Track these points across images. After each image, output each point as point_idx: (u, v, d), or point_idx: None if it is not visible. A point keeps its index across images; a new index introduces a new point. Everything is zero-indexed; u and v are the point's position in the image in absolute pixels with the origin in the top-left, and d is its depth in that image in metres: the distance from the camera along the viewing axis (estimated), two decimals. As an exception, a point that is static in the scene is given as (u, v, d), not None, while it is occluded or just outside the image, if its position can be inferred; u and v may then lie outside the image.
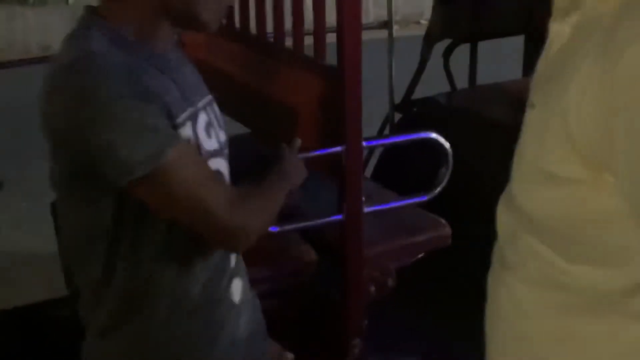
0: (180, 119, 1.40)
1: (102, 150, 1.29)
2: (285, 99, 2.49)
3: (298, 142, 1.81)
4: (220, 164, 1.53)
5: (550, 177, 0.99)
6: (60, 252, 3.23)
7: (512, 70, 4.12)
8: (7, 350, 2.87)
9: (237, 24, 2.79)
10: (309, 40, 2.39)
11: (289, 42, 2.51)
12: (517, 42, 4.07)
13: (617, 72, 0.88)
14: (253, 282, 2.15)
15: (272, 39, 2.61)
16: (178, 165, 1.34)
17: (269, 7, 2.55)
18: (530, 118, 1.04)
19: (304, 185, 1.76)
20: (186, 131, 1.42)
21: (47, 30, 9.65)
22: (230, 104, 2.83)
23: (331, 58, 2.24)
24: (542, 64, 1.06)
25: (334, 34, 2.14)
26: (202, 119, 1.49)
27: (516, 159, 1.09)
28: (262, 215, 1.51)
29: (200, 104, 1.51)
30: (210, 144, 1.49)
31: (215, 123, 1.54)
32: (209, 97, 1.58)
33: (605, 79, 0.89)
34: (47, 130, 1.38)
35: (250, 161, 1.89)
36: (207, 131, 1.50)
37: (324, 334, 2.45)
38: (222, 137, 1.57)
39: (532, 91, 1.04)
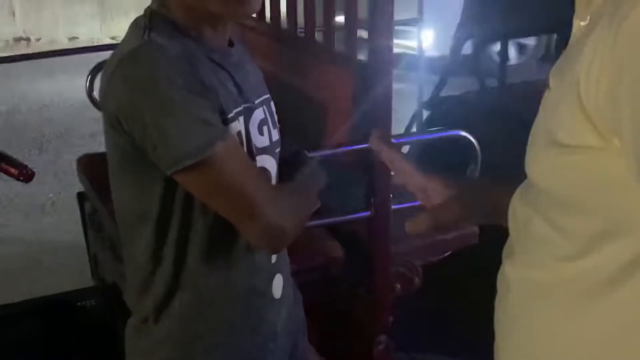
0: (232, 114, 1.43)
1: (155, 138, 1.34)
2: (315, 93, 2.49)
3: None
4: (268, 162, 1.55)
5: (561, 146, 0.99)
6: (87, 243, 3.25)
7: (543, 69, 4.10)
8: (35, 339, 2.90)
9: (268, 19, 2.78)
10: (340, 35, 2.38)
11: (319, 36, 2.51)
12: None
13: (620, 32, 0.88)
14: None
15: (302, 34, 2.61)
16: (225, 158, 1.36)
17: (300, 1, 2.54)
18: (545, 97, 1.05)
19: (329, 184, 1.75)
20: (237, 126, 1.45)
21: (75, 21, 9.73)
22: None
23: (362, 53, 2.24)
24: (563, 53, 1.06)
25: (365, 30, 2.14)
26: (257, 115, 1.52)
27: (530, 140, 1.08)
28: (300, 216, 1.52)
29: (258, 101, 1.54)
30: (261, 140, 1.52)
31: (269, 121, 1.57)
32: (267, 96, 1.61)
33: (610, 41, 0.90)
34: (105, 113, 1.42)
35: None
36: (260, 128, 1.52)
37: (350, 329, 2.45)
38: (275, 136, 1.59)
39: (550, 76, 1.03)
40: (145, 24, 1.41)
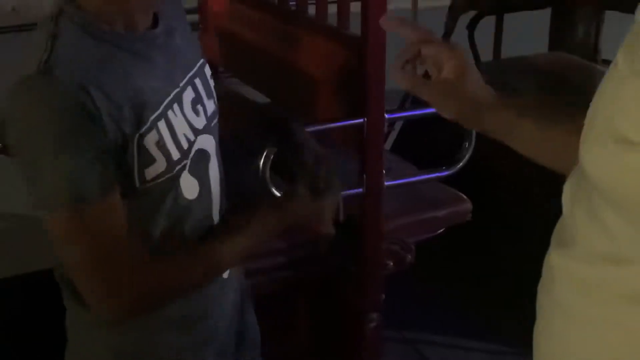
0: (154, 115, 1.32)
1: (28, 173, 1.29)
2: (307, 68, 2.46)
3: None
4: (207, 142, 1.45)
5: (625, 143, 0.89)
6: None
7: (537, 44, 4.05)
8: (12, 317, 2.85)
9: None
10: (332, 9, 2.35)
11: (311, 10, 2.48)
12: (543, 16, 4.00)
13: None
14: (269, 254, 2.12)
15: (294, 7, 2.57)
16: (78, 221, 1.28)
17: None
18: (609, 77, 0.95)
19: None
20: (153, 135, 1.32)
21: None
22: (251, 73, 2.79)
23: (354, 28, 2.20)
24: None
25: (358, 3, 2.10)
26: (188, 96, 1.42)
27: (586, 124, 0.99)
28: (170, 291, 1.41)
29: (185, 81, 1.42)
30: (198, 121, 1.43)
31: (202, 94, 1.46)
32: (199, 63, 1.48)
33: None
34: None
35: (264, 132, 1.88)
36: (194, 108, 1.42)
37: (341, 307, 2.43)
38: (210, 108, 1.48)
39: (619, 50, 0.93)
40: (51, 31, 1.28)
